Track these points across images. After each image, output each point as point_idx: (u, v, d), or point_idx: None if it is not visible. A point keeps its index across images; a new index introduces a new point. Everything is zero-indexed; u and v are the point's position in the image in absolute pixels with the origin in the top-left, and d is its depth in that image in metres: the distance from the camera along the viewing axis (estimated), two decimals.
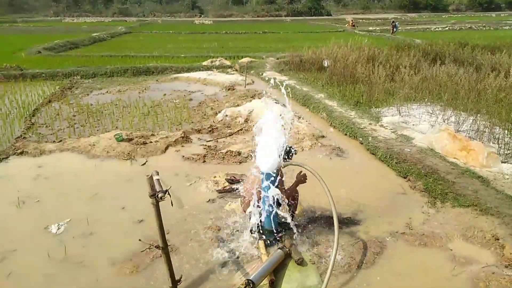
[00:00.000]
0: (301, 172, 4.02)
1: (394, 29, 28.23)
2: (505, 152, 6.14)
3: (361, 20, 46.34)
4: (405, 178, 5.44)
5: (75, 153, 6.49)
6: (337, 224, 3.45)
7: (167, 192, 2.91)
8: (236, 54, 17.67)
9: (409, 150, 6.22)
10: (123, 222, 4.46)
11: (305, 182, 4.02)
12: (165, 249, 3.07)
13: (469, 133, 6.77)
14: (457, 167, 5.63)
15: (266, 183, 3.72)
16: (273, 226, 3.94)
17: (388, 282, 3.47)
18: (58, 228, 4.35)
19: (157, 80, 12.68)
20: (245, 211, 4.10)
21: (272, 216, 3.87)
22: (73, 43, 22.90)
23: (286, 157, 3.84)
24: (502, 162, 5.73)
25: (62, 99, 10.05)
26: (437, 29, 33.44)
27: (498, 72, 9.44)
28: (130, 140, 6.78)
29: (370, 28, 33.88)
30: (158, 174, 3.15)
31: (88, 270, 3.69)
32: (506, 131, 6.70)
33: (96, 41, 25.92)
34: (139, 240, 3.14)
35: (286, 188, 4.07)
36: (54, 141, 6.99)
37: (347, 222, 4.37)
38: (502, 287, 3.34)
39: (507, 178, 5.33)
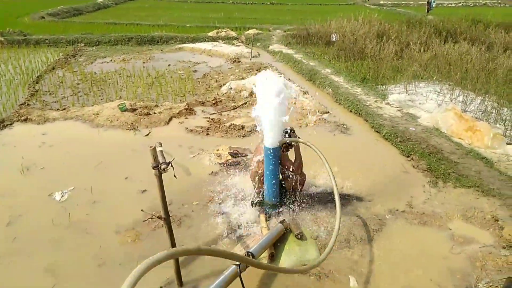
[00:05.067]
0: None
1: (430, 8, 23.44)
2: (511, 133, 6.07)
3: None
4: (408, 157, 5.42)
5: (79, 122, 6.50)
6: (337, 195, 3.45)
7: (170, 164, 2.91)
8: (242, 25, 17.29)
9: (414, 129, 6.16)
10: (127, 192, 4.51)
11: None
12: (167, 219, 3.10)
13: (476, 114, 6.68)
14: (461, 147, 5.59)
15: (268, 157, 3.72)
16: (275, 200, 3.98)
17: (386, 259, 3.52)
18: (62, 196, 4.41)
19: (161, 50, 12.52)
20: (252, 180, 4.13)
21: (274, 190, 3.90)
22: (77, 9, 22.49)
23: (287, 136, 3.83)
24: (507, 144, 5.68)
25: (66, 67, 9.97)
26: (450, 5, 32.42)
27: (511, 51, 9.19)
28: (133, 110, 6.75)
29: (382, 2, 32.92)
30: (161, 146, 3.14)
31: (92, 237, 3.77)
32: None
33: (100, 7, 25.43)
34: (142, 210, 3.17)
35: (293, 161, 4.07)
36: (58, 109, 6.99)
37: (348, 199, 4.40)
38: (498, 267, 3.38)
39: (511, 160, 5.30)
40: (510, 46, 10.36)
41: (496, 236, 3.81)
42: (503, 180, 4.73)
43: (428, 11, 22.94)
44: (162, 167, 2.88)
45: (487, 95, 7.15)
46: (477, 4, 33.36)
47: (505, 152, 5.48)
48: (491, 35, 11.75)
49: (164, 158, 2.96)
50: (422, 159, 5.22)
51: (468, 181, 4.68)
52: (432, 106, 7.08)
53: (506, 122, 6.37)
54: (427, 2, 23.68)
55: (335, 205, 3.49)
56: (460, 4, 33.15)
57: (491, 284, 3.19)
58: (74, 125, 6.41)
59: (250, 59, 11.33)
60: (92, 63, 10.63)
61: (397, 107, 7.14)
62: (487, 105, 6.83)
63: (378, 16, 14.29)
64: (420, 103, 7.34)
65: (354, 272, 3.35)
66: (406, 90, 7.89)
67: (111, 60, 10.93)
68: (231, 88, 8.11)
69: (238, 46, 13.21)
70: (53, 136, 5.97)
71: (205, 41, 13.87)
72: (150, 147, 2.86)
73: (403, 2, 33.21)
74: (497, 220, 4.00)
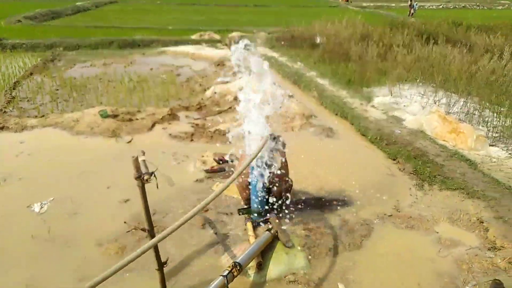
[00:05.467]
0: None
1: (412, 11, 23.31)
2: (493, 135, 6.17)
3: None
4: (394, 160, 5.43)
5: (58, 129, 6.30)
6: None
7: (153, 174, 2.81)
8: (226, 28, 17.22)
9: (399, 132, 6.20)
10: (109, 202, 4.37)
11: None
12: (151, 231, 2.99)
13: (459, 115, 6.77)
14: (446, 149, 5.65)
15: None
16: (261, 208, 3.91)
17: (375, 264, 3.49)
18: (41, 207, 4.24)
19: (143, 54, 12.33)
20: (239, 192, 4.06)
21: (260, 197, 3.83)
22: (55, 12, 22.01)
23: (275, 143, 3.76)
24: (490, 145, 5.77)
25: (44, 72, 9.70)
26: (431, 7, 33.11)
27: (491, 54, 9.37)
28: (115, 116, 6.59)
29: (364, 4, 33.37)
30: (144, 155, 3.04)
31: (73, 250, 3.62)
32: (495, 114, 6.72)
33: (80, 10, 24.96)
34: (124, 222, 3.06)
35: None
36: (36, 116, 6.78)
37: (335, 204, 4.36)
38: (484, 269, 3.40)
39: (494, 161, 5.38)
40: (490, 49, 10.56)
41: (482, 238, 3.84)
42: (487, 181, 4.78)
43: (411, 14, 22.87)
44: (145, 177, 2.78)
45: (469, 97, 7.26)
46: (456, 6, 34.19)
47: (488, 154, 5.56)
48: (472, 37, 11.98)
49: (147, 167, 2.86)
50: (408, 162, 5.24)
51: (453, 183, 4.72)
52: (416, 108, 7.15)
53: (488, 123, 6.47)
54: (410, 5, 23.74)
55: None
56: (441, 6, 33.89)
57: (477, 286, 3.21)
58: (53, 132, 6.20)
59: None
60: (71, 68, 10.38)
61: (382, 110, 7.19)
62: (469, 107, 6.93)
63: (361, 18, 14.43)
64: (404, 106, 7.40)
65: (343, 279, 3.31)
66: (391, 93, 7.95)
67: (91, 65, 10.70)
68: (215, 92, 8.02)
69: (222, 49, 13.13)
70: (32, 145, 5.76)
71: (188, 44, 13.74)
72: (133, 157, 2.76)
73: (385, 4, 33.74)
74: (482, 222, 4.03)
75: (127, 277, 3.31)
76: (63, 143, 5.87)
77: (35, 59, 11.08)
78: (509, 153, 5.57)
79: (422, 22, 14.55)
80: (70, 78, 9.05)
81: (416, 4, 23.53)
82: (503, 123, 6.45)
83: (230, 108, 7.33)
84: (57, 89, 8.43)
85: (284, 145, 3.87)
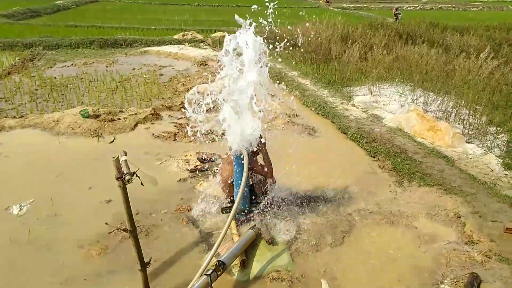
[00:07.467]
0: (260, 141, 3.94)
1: (396, 20, 22.14)
2: (469, 132, 6.35)
3: None
4: (374, 157, 5.55)
5: (38, 130, 6.17)
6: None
7: (135, 174, 2.80)
8: (208, 28, 17.17)
9: (379, 129, 6.32)
10: (90, 203, 4.31)
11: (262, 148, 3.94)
12: (133, 232, 2.98)
13: (436, 114, 6.95)
14: (424, 147, 5.79)
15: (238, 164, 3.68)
16: (245, 206, 3.94)
17: (357, 260, 3.56)
18: (20, 209, 4.15)
19: (125, 53, 12.18)
20: (224, 190, 4.07)
21: (244, 195, 3.85)
22: (34, 11, 21.48)
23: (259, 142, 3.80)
24: (466, 142, 5.94)
25: (23, 72, 9.47)
26: (409, 8, 33.81)
27: (466, 53, 9.66)
28: (97, 116, 6.50)
29: (344, 5, 33.81)
30: (125, 155, 3.02)
31: (54, 253, 3.56)
32: (471, 112, 6.92)
33: (60, 9, 24.44)
34: (106, 223, 3.03)
35: (262, 164, 4.03)
36: (14, 117, 6.62)
37: (317, 201, 4.42)
38: (462, 263, 3.50)
39: (470, 158, 5.55)
40: (465, 48, 10.88)
41: (459, 232, 3.95)
42: (463, 178, 4.93)
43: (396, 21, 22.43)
44: (126, 178, 2.76)
45: (446, 96, 7.46)
46: (433, 7, 35.02)
47: (465, 151, 5.73)
48: (448, 38, 12.31)
49: (129, 168, 2.84)
50: (387, 159, 5.35)
51: (432, 180, 4.84)
52: (395, 107, 7.31)
53: (465, 121, 6.66)
54: (394, 14, 23.10)
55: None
56: (419, 8, 34.66)
57: (455, 280, 3.30)
58: (32, 133, 6.07)
59: (217, 62, 11.23)
60: (51, 67, 10.15)
61: (363, 109, 7.32)
62: (447, 105, 7.12)
63: (342, 19, 14.62)
64: (384, 104, 7.55)
65: (326, 275, 3.36)
66: (371, 92, 8.09)
67: (72, 64, 10.50)
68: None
69: (205, 49, 13.09)
70: (10, 146, 5.62)
71: (170, 44, 13.64)
72: (113, 157, 2.74)
73: (364, 6, 34.27)
74: (459, 217, 4.15)
75: (108, 279, 3.28)
76: (43, 144, 5.76)
77: (13, 58, 10.82)
78: (484, 150, 5.76)
79: (401, 23, 14.86)
80: (50, 78, 8.86)
81: (400, 13, 22.76)
82: (479, 120, 6.66)
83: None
84: (37, 89, 8.24)
85: (263, 142, 3.90)
